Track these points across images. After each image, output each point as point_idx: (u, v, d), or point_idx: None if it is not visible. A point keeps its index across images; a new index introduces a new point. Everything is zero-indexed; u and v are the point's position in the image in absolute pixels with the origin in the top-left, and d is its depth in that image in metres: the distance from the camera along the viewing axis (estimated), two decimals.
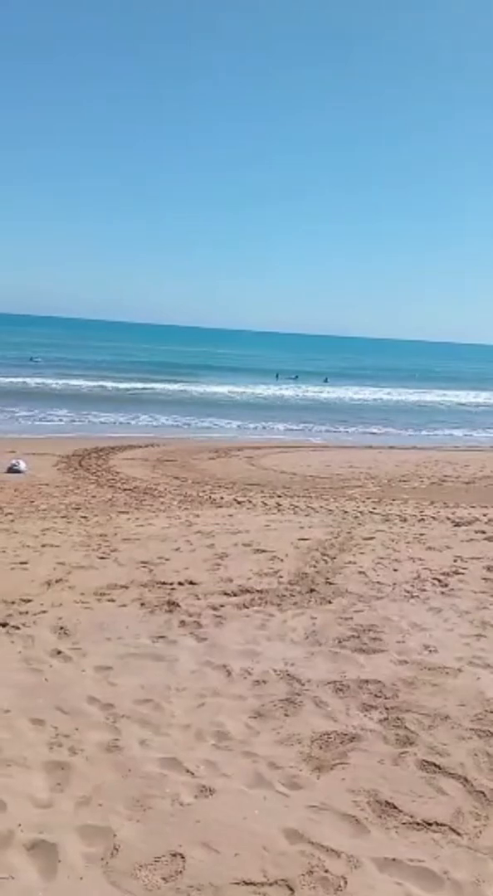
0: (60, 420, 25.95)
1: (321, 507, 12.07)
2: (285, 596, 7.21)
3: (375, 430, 28.24)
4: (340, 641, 6.11)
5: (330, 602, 7.09)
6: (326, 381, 57.04)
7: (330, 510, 11.77)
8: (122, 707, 4.82)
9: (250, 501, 12.41)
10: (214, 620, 6.48)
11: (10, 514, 10.93)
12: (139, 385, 41.82)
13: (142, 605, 6.86)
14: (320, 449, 21.24)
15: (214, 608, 6.79)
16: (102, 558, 8.44)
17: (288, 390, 46.63)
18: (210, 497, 12.78)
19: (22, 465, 14.97)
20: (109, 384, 40.78)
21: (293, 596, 7.22)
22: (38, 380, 39.76)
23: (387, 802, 3.88)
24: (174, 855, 3.41)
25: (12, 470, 14.77)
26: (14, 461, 15.17)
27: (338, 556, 8.73)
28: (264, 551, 8.83)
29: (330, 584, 7.64)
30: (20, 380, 39.17)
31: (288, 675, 5.41)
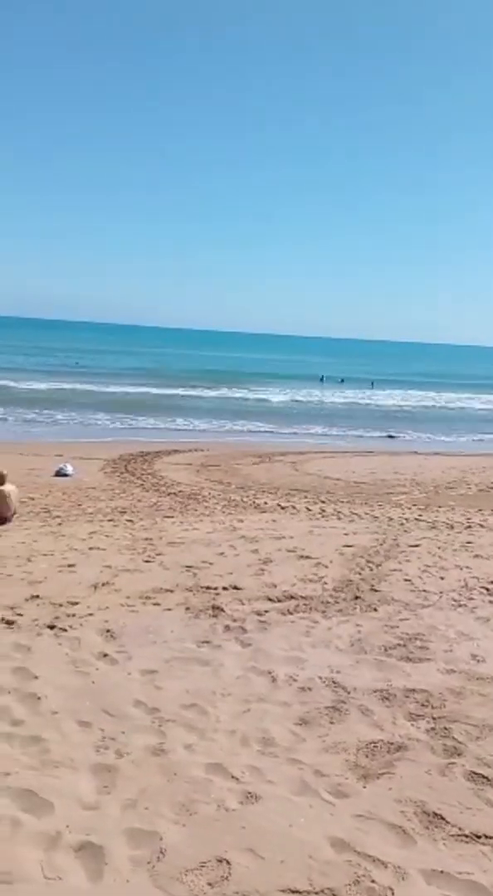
0: (106, 424, 26.19)
1: (366, 513, 12.00)
2: (329, 603, 7.18)
3: (421, 436, 27.97)
4: (386, 650, 6.06)
5: (376, 610, 7.04)
6: (372, 385, 56.74)
7: (375, 516, 11.68)
8: (167, 711, 4.85)
9: (293, 507, 12.38)
10: (258, 626, 6.49)
11: (58, 516, 11.07)
12: (181, 391, 42.04)
13: (187, 609, 6.90)
14: (364, 454, 21.09)
15: (259, 614, 6.79)
16: (147, 562, 8.50)
17: (334, 395, 46.42)
18: (254, 502, 12.78)
19: (69, 469, 15.15)
20: (153, 389, 41.02)
21: (338, 603, 7.19)
22: (82, 385, 40.18)
23: (435, 814, 3.84)
24: (220, 860, 3.42)
25: (60, 473, 14.95)
26: (62, 465, 15.36)
27: (383, 564, 8.67)
28: (308, 557, 8.81)
29: (375, 591, 7.59)
30: (65, 385, 39.70)
31: (333, 682, 5.38)
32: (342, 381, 59.45)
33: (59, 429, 24.48)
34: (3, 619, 6.52)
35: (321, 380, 59.38)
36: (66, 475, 14.92)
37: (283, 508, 12.21)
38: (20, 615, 6.61)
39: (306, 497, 13.46)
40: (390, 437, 27.30)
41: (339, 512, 12.00)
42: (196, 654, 5.81)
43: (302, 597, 7.31)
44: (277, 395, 43.48)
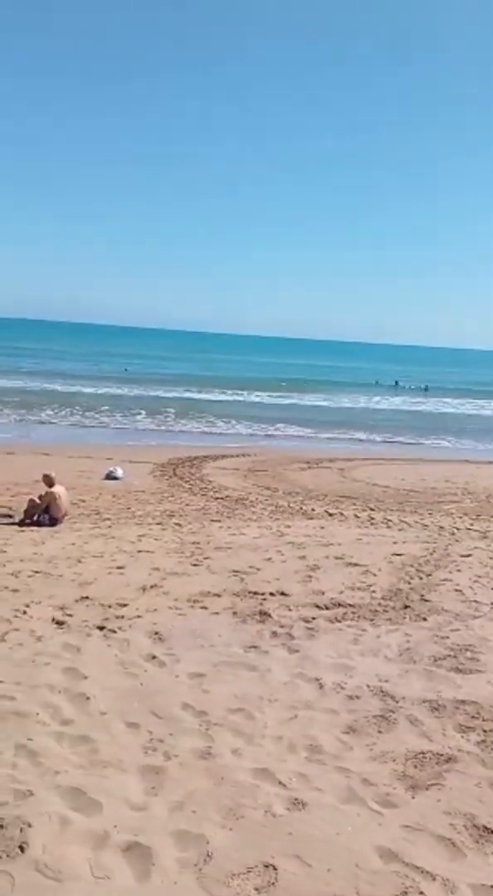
0: (155, 429, 26.39)
1: (416, 521, 11.87)
2: (378, 611, 7.12)
3: (473, 444, 27.58)
4: (435, 660, 5.98)
5: (425, 619, 6.96)
6: (426, 389, 56.21)
7: (425, 525, 11.56)
8: (215, 715, 4.86)
9: (341, 514, 12.32)
10: (305, 633, 6.46)
11: (108, 519, 11.21)
12: (229, 396, 42.20)
13: (234, 613, 6.90)
14: (414, 462, 20.89)
15: (306, 620, 6.77)
16: (195, 566, 8.54)
17: (385, 401, 46.01)
18: (301, 508, 12.76)
19: (119, 473, 15.32)
20: (199, 395, 41.26)
21: (387, 612, 7.12)
22: (131, 390, 40.55)
23: (485, 827, 3.77)
24: (267, 866, 3.41)
25: (110, 477, 15.13)
26: (112, 468, 15.55)
27: (433, 573, 8.57)
28: (356, 565, 8.75)
29: (425, 601, 7.51)
30: (114, 391, 40.18)
31: (382, 691, 5.34)
32: (397, 383, 59.23)
33: (109, 433, 24.76)
34: (53, 619, 6.61)
35: (375, 383, 59.08)
36: (115, 478, 15.10)
37: (331, 515, 12.16)
38: (70, 616, 6.70)
39: (354, 504, 13.39)
40: (440, 443, 26.98)
41: (388, 520, 11.90)
42: (243, 659, 5.82)
43: (350, 605, 7.27)
44: (321, 398, 43.44)
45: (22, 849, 3.45)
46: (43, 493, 10.88)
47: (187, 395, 40.90)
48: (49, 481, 10.99)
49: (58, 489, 10.90)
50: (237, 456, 19.80)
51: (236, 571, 8.27)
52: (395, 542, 10.10)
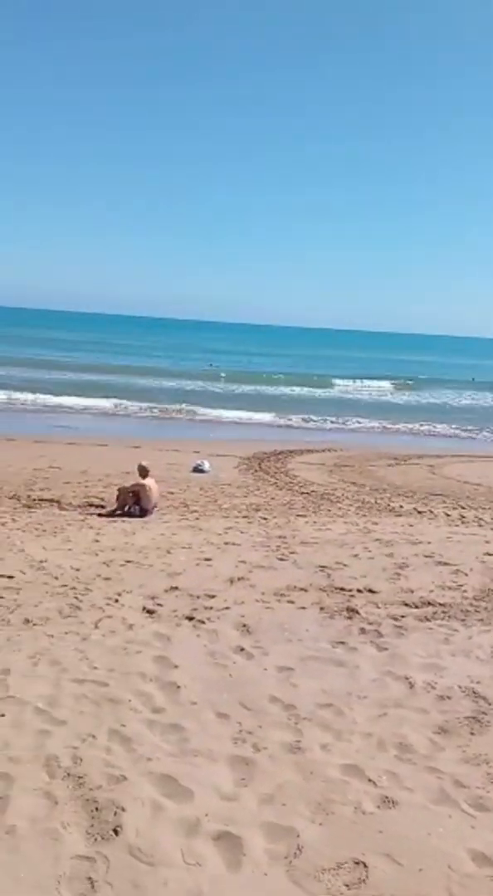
0: (242, 423, 26.53)
1: None
2: (469, 611, 6.98)
3: None
4: None
5: None
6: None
7: None
8: (303, 709, 4.86)
9: (431, 511, 12.12)
10: (394, 631, 6.39)
11: (195, 511, 11.34)
12: (311, 390, 42.06)
13: (321, 609, 6.89)
14: None
15: (395, 618, 6.69)
16: (281, 560, 8.56)
17: (478, 397, 44.90)
18: (389, 505, 12.60)
19: (206, 466, 15.48)
20: (288, 390, 41.26)
21: (479, 612, 6.97)
22: (217, 385, 40.93)
23: None
24: (357, 863, 3.40)
25: (197, 470, 15.30)
26: (199, 461, 15.72)
27: None
28: (446, 564, 8.59)
29: None
30: (200, 384, 40.70)
31: (474, 692, 5.23)
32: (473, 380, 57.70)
33: (195, 426, 25.04)
34: (144, 608, 6.75)
35: (472, 380, 57.69)
36: (202, 471, 15.25)
37: (420, 513, 11.97)
38: (160, 605, 6.82)
39: (444, 502, 13.15)
40: None
41: (480, 518, 11.64)
42: (331, 655, 5.80)
43: (440, 604, 7.14)
44: (410, 394, 42.83)
45: (116, 832, 3.55)
46: (135, 483, 11.09)
47: (270, 389, 40.94)
48: (143, 472, 11.19)
49: (149, 481, 11.09)
50: (322, 451, 19.70)
51: (323, 567, 8.25)
52: (487, 542, 9.87)
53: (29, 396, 28.95)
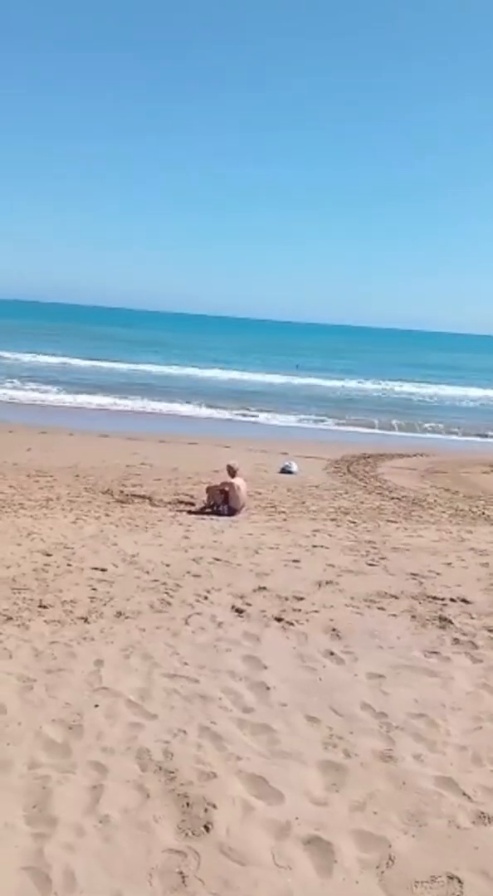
0: (330, 424, 26.32)
1: None
2: None
3: None
4: None
5: None
6: None
7: None
8: (395, 718, 4.77)
9: None
10: (490, 643, 6.19)
11: (283, 512, 11.33)
12: (410, 389, 41.44)
13: (412, 617, 6.75)
14: None
15: (490, 630, 6.49)
16: (370, 565, 8.44)
17: None
18: (484, 513, 12.28)
19: (294, 467, 15.45)
20: (372, 390, 40.80)
21: None
22: (303, 387, 40.77)
23: None
24: (451, 878, 3.30)
25: (285, 471, 15.29)
26: (287, 462, 15.71)
27: None
28: None
29: None
30: (289, 382, 40.76)
31: None
32: None
33: (282, 427, 24.98)
34: (233, 606, 6.77)
35: None
36: (290, 472, 15.24)
37: None
38: (249, 605, 6.83)
39: None
40: None
41: None
42: (424, 664, 5.67)
43: None
44: None
45: (207, 828, 3.56)
46: (224, 482, 11.17)
47: (356, 390, 40.56)
48: (232, 471, 11.26)
49: (237, 480, 11.15)
50: (414, 455, 19.35)
51: (414, 574, 8.08)
52: None
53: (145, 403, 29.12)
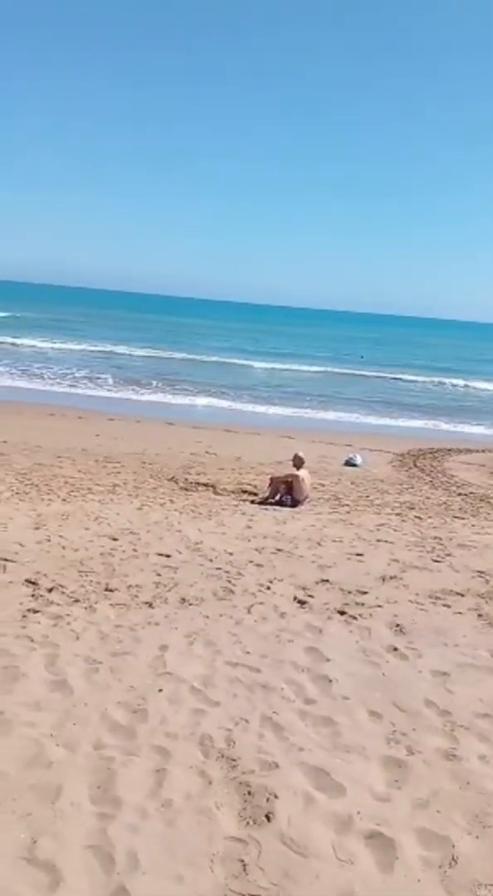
0: (396, 417, 25.96)
1: None
2: None
3: None
4: None
5: None
6: None
7: None
8: (460, 717, 4.70)
9: None
10: None
11: (347, 505, 11.25)
12: (470, 387, 40.60)
13: (479, 616, 6.64)
14: None
15: None
16: (436, 561, 8.32)
17: None
18: None
19: (358, 460, 15.33)
20: (449, 380, 40.12)
21: None
22: (369, 378, 40.39)
23: None
24: None
25: (349, 463, 15.19)
26: (351, 455, 15.60)
27: None
28: None
29: None
30: (352, 374, 40.48)
31: None
32: None
33: (348, 419, 24.76)
34: (295, 597, 6.77)
35: None
36: (354, 465, 15.13)
37: None
38: (311, 597, 6.82)
39: None
40: None
41: None
42: (490, 664, 5.57)
43: None
44: None
45: (268, 818, 3.57)
46: (288, 473, 11.16)
47: (421, 383, 39.94)
48: (298, 462, 11.25)
49: (302, 472, 11.13)
50: (483, 451, 18.98)
51: (481, 572, 7.94)
52: None
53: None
